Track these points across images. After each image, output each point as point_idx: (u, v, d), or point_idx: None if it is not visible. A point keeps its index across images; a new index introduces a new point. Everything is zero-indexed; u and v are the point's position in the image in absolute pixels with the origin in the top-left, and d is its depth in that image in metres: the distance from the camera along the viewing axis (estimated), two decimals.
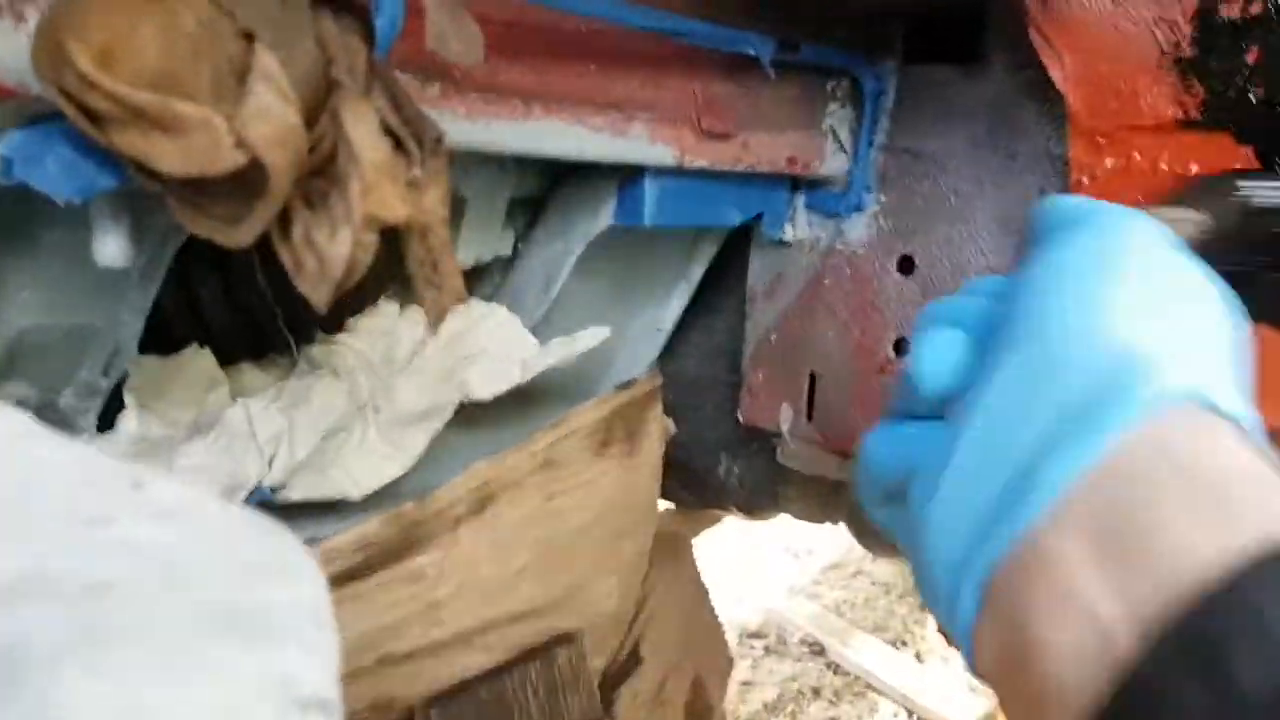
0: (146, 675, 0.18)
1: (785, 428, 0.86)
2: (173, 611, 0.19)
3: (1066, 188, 0.68)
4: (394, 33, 0.43)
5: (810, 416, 0.84)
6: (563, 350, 0.70)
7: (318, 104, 0.39)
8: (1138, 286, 0.35)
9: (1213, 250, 0.42)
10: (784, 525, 1.09)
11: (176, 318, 0.62)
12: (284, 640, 0.21)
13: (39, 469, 0.21)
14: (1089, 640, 0.29)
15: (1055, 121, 0.69)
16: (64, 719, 0.17)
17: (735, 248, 0.87)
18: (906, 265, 0.78)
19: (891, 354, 0.79)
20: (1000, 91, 0.72)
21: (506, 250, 0.78)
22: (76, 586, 0.19)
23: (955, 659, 2.33)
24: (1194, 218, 0.47)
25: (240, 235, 0.37)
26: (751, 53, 0.65)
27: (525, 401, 0.72)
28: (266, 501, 0.58)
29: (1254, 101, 0.59)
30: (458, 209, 0.71)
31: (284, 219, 0.39)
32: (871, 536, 0.82)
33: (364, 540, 0.62)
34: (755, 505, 1.02)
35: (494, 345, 0.67)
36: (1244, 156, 0.60)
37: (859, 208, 0.80)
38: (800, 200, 0.83)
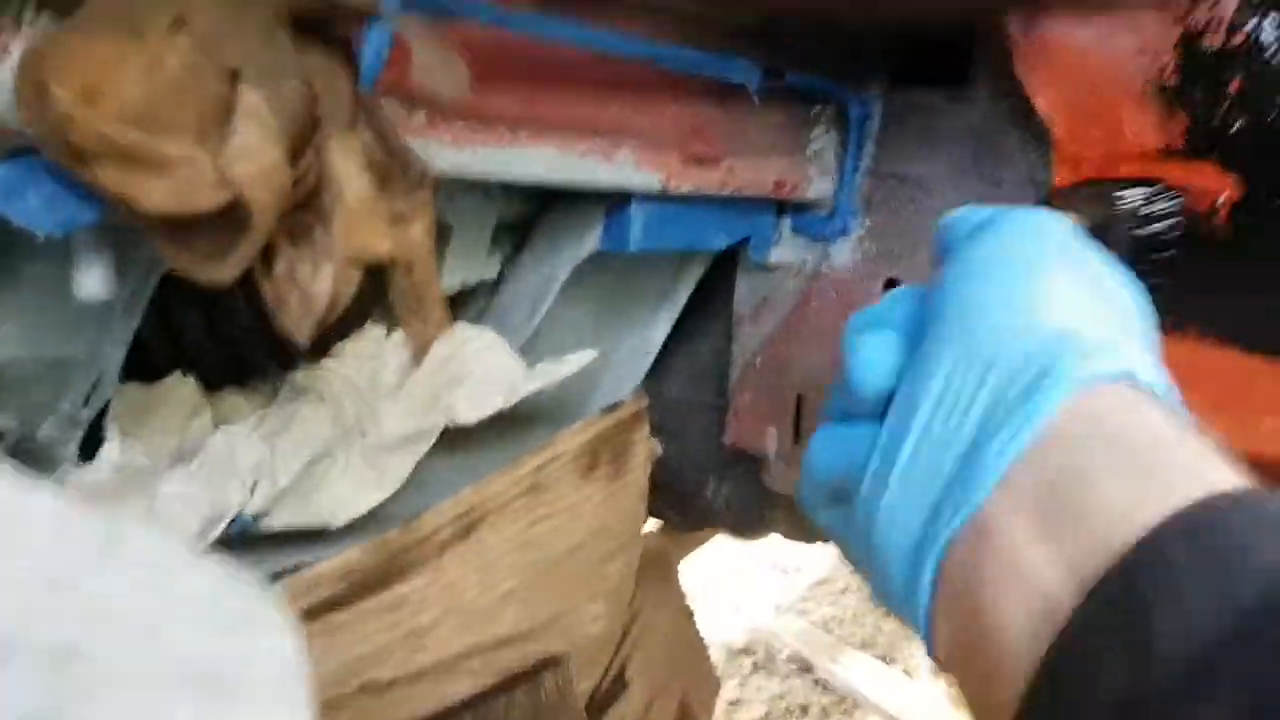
0: None
1: (771, 451, 0.86)
2: (142, 673, 0.19)
3: None
4: (380, 66, 0.43)
5: (796, 440, 0.84)
6: (549, 374, 0.70)
7: (303, 139, 0.39)
8: (1058, 277, 0.37)
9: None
10: (772, 542, 1.09)
11: (159, 345, 0.62)
12: (255, 698, 0.21)
13: (6, 525, 0.21)
14: (1036, 609, 0.30)
15: (1039, 148, 0.69)
16: None
17: (721, 270, 0.87)
18: (892, 289, 0.78)
19: None
20: (985, 118, 0.73)
21: (493, 274, 0.78)
22: (44, 651, 0.18)
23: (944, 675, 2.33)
24: (1071, 220, 0.50)
25: (222, 272, 0.37)
26: (738, 80, 0.65)
27: (511, 425, 0.72)
28: (248, 530, 0.58)
29: (1237, 130, 0.59)
30: (444, 234, 0.71)
31: (267, 254, 0.39)
32: None
33: (347, 568, 0.61)
34: (743, 526, 1.02)
35: (480, 369, 0.67)
36: (1228, 185, 0.60)
37: (845, 231, 0.80)
38: (787, 224, 0.83)
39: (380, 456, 0.64)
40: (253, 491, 0.57)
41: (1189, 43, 0.59)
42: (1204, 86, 0.59)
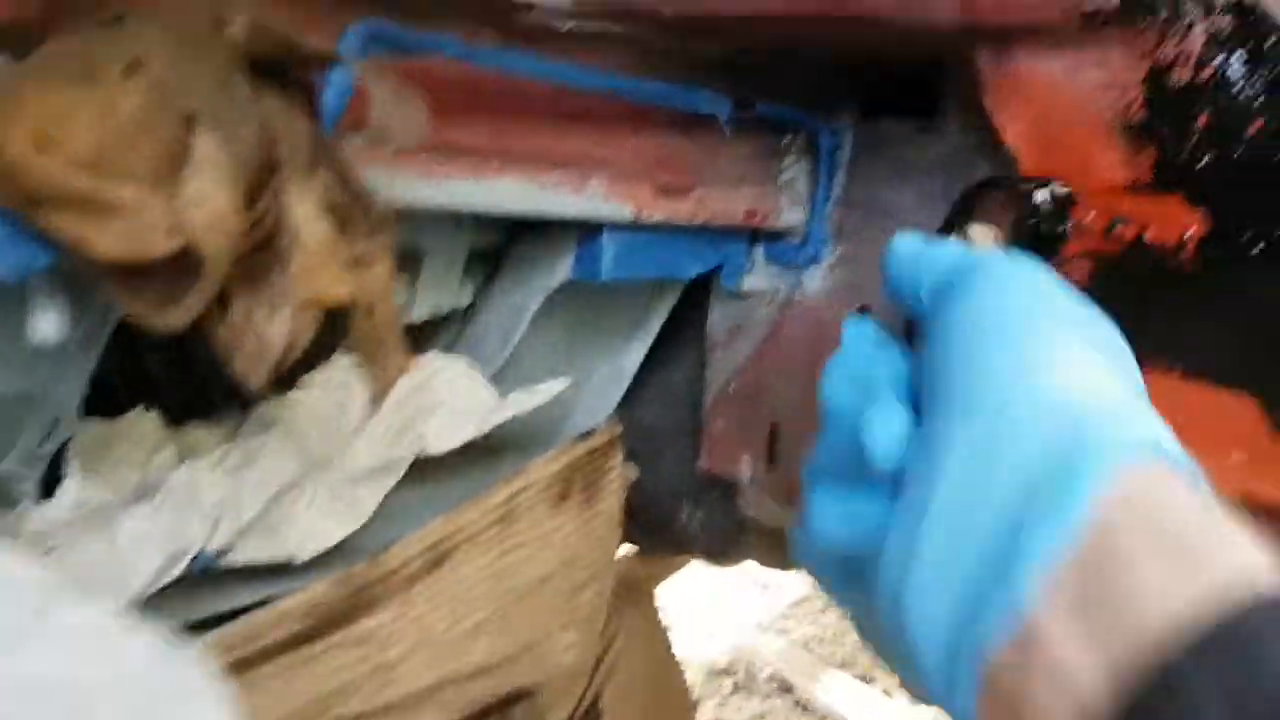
0: None
1: (745, 477, 0.86)
2: None
3: None
4: (342, 109, 0.43)
5: (770, 466, 0.84)
6: (521, 403, 0.69)
7: (260, 183, 0.38)
8: (1058, 336, 0.37)
9: None
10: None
11: (121, 380, 0.61)
12: None
13: None
14: (1077, 714, 0.29)
15: None
16: None
17: (694, 297, 0.87)
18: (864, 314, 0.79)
19: None
20: (954, 149, 0.73)
21: (465, 302, 0.78)
22: None
23: None
24: (994, 231, 0.51)
25: (175, 318, 0.37)
26: (708, 112, 0.65)
27: (482, 454, 0.72)
28: (211, 566, 0.57)
29: (1204, 165, 0.59)
30: (415, 262, 0.71)
31: (222, 299, 0.39)
32: None
33: (313, 603, 0.61)
34: (718, 552, 1.01)
35: (452, 398, 0.67)
36: (1196, 219, 0.60)
37: (816, 260, 0.81)
38: (759, 252, 0.83)
39: (348, 488, 0.64)
40: (216, 527, 0.57)
41: (1157, 78, 0.60)
42: (1172, 121, 0.60)
